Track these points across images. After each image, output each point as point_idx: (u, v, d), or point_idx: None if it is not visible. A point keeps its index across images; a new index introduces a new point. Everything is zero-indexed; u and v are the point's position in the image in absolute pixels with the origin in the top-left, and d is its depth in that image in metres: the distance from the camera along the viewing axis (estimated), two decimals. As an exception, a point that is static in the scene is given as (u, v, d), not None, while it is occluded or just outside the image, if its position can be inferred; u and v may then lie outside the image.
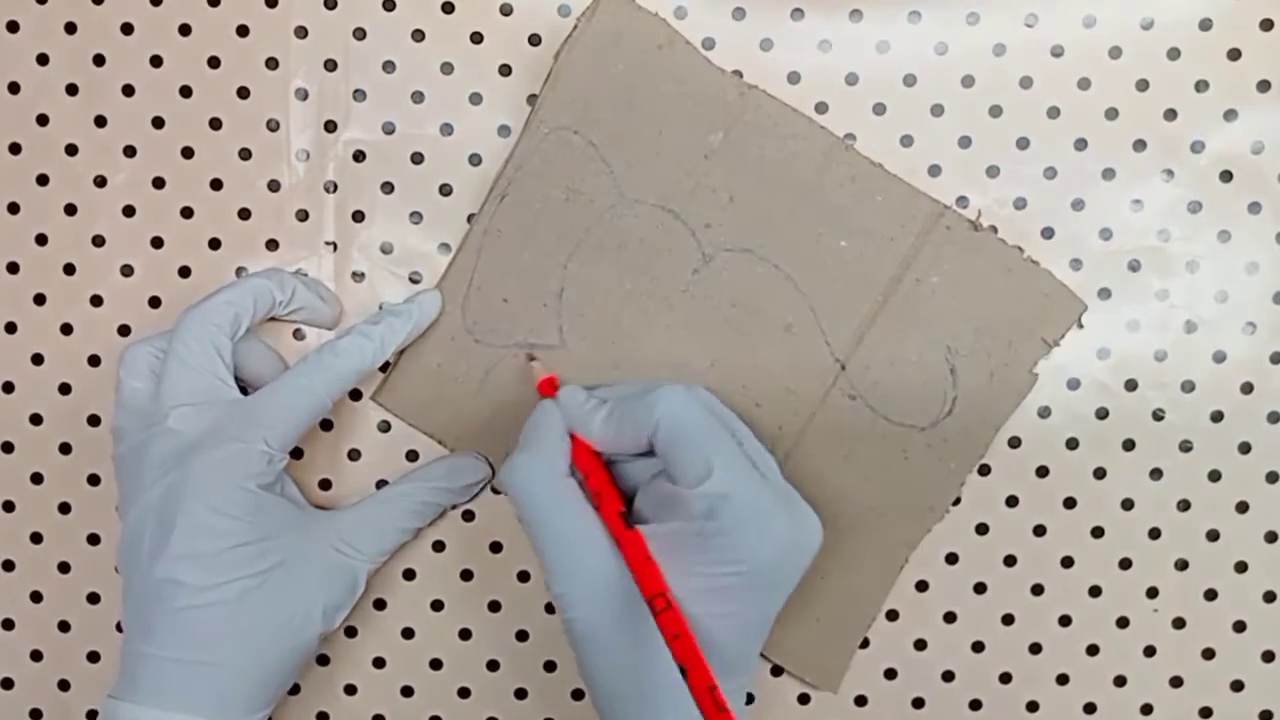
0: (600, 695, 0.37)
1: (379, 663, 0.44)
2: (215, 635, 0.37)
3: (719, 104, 0.41)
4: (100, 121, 0.43)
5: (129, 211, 0.43)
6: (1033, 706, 0.44)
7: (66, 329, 0.44)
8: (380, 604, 0.44)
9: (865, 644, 0.44)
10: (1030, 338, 0.42)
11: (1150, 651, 0.44)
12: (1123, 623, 0.44)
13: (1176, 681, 0.44)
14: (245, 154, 0.43)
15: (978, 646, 0.44)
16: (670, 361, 0.42)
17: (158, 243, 0.43)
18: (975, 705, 0.44)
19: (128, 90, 0.43)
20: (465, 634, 0.44)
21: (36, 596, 0.44)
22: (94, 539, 0.44)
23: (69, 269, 0.44)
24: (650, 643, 0.36)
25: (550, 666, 0.44)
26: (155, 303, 0.44)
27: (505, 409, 0.43)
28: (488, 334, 0.43)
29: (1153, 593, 0.44)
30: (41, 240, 0.44)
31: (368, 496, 0.42)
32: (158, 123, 0.43)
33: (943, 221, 0.42)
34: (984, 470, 0.43)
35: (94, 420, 0.44)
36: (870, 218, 0.42)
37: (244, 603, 0.38)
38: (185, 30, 0.43)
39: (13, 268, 0.44)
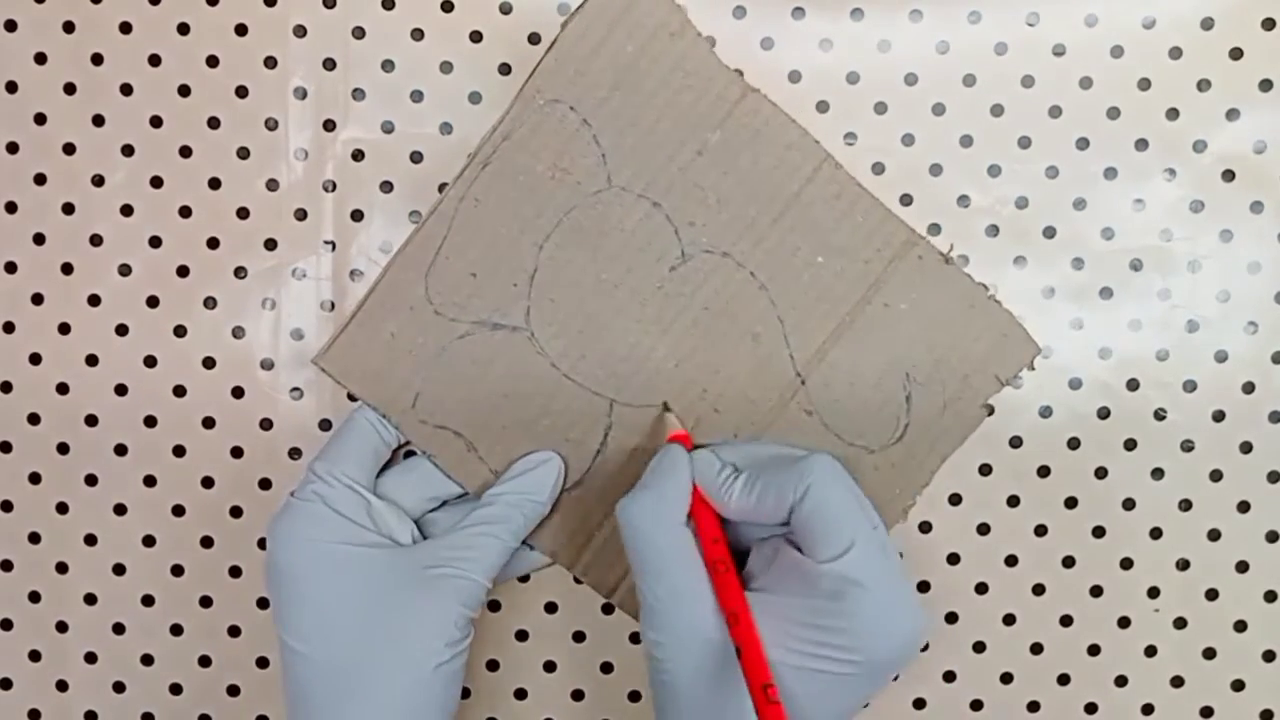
0: None
1: (378, 663, 0.44)
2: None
3: (720, 102, 0.41)
4: (98, 120, 0.43)
5: (127, 211, 0.43)
6: (1034, 706, 0.44)
7: (64, 328, 0.44)
8: (380, 604, 0.44)
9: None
10: (984, 373, 0.42)
11: (1151, 651, 0.44)
12: (1124, 623, 0.44)
13: (1177, 681, 0.44)
14: (244, 153, 0.43)
15: (979, 646, 0.44)
16: (635, 356, 0.42)
17: (156, 242, 0.43)
18: (976, 705, 0.44)
19: (126, 89, 0.43)
20: (465, 634, 0.44)
21: (34, 596, 0.44)
22: (91, 539, 0.44)
23: (67, 268, 0.43)
24: (736, 708, 0.35)
25: (550, 667, 0.44)
26: (153, 302, 0.43)
27: (457, 388, 0.42)
28: (450, 307, 0.41)
29: (1154, 592, 0.44)
30: (39, 239, 0.43)
31: (464, 521, 0.40)
32: (156, 122, 0.43)
33: (915, 250, 0.42)
34: (985, 470, 0.43)
35: (91, 420, 0.44)
36: (848, 237, 0.42)
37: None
38: (184, 29, 0.43)
39: (10, 267, 0.43)
